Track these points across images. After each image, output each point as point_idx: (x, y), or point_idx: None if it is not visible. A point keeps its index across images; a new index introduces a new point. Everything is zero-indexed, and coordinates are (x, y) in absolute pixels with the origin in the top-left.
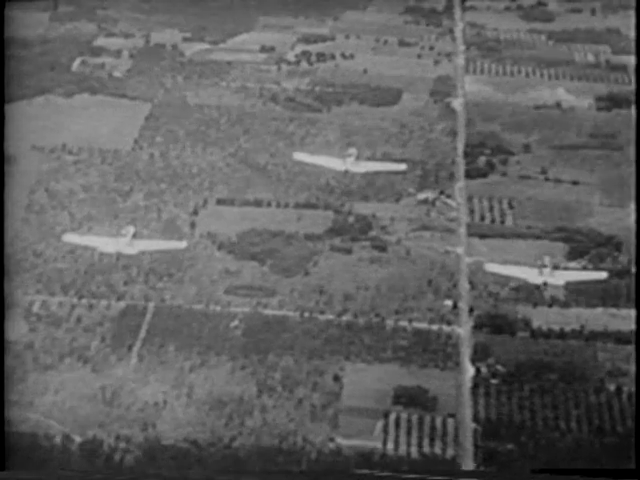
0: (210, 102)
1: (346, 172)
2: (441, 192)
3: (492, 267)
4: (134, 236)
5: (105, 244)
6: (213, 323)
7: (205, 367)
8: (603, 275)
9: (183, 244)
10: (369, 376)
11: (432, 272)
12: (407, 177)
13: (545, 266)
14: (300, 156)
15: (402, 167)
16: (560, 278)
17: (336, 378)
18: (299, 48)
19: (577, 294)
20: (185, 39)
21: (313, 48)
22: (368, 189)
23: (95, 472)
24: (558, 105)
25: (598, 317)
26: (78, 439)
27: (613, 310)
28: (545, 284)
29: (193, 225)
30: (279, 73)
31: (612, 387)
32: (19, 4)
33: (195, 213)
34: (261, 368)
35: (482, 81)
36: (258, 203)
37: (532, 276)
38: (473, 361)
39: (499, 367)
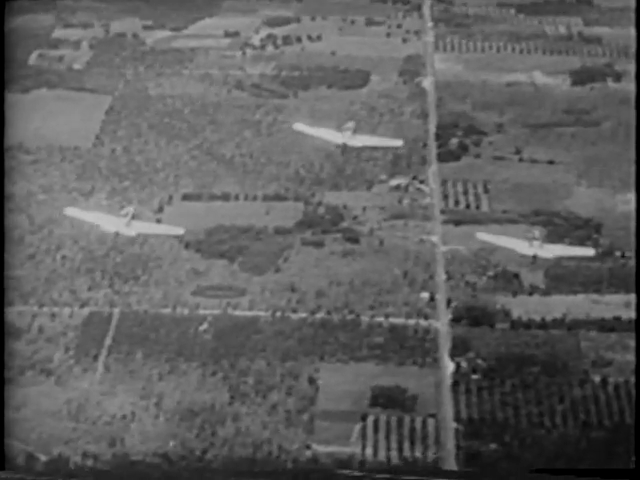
0: (173, 92)
1: (344, 145)
2: (414, 177)
3: (483, 236)
4: (133, 217)
5: (106, 222)
6: (181, 327)
7: (174, 374)
8: (591, 252)
9: (181, 230)
10: (345, 377)
11: (407, 263)
12: (378, 163)
13: (536, 239)
14: (300, 127)
15: (399, 143)
16: (549, 251)
17: (311, 380)
18: (264, 32)
19: (557, 280)
20: (146, 27)
21: (278, 31)
22: (338, 177)
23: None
24: (531, 81)
25: (580, 304)
26: (43, 458)
27: (595, 296)
28: (535, 257)
29: (158, 223)
30: (244, 58)
31: (597, 378)
32: None
33: (160, 210)
34: (233, 373)
35: (452, 59)
36: (225, 197)
37: (523, 248)
38: (452, 356)
39: (479, 361)
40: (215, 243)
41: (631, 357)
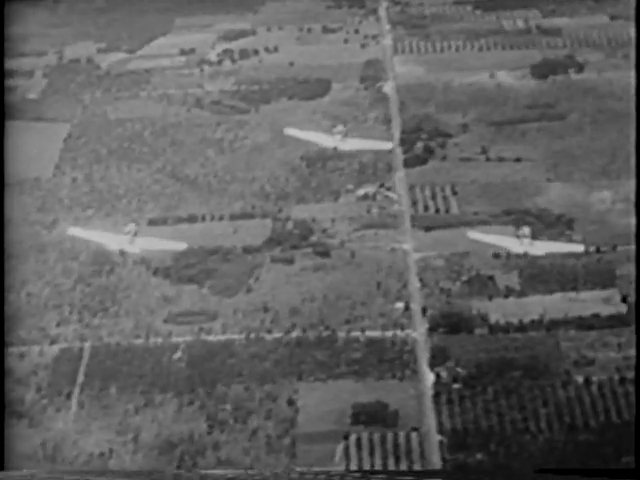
0: (132, 115)
1: (335, 149)
2: (381, 185)
3: (474, 235)
4: (135, 234)
5: (110, 240)
6: (155, 357)
7: (150, 407)
8: (580, 248)
9: (183, 245)
10: (325, 396)
11: (380, 274)
12: (344, 172)
13: (525, 236)
14: (291, 131)
15: (388, 146)
16: (540, 248)
17: (290, 402)
18: (220, 47)
19: (533, 281)
20: (100, 50)
21: (235, 45)
22: (304, 190)
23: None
24: (492, 78)
25: (557, 303)
26: None
27: (572, 294)
28: (525, 254)
29: (123, 252)
30: (202, 76)
31: (580, 379)
32: None
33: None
34: (210, 401)
35: (412, 61)
36: (192, 219)
37: (514, 245)
38: (432, 366)
39: (460, 370)
40: (183, 267)
41: (614, 354)
